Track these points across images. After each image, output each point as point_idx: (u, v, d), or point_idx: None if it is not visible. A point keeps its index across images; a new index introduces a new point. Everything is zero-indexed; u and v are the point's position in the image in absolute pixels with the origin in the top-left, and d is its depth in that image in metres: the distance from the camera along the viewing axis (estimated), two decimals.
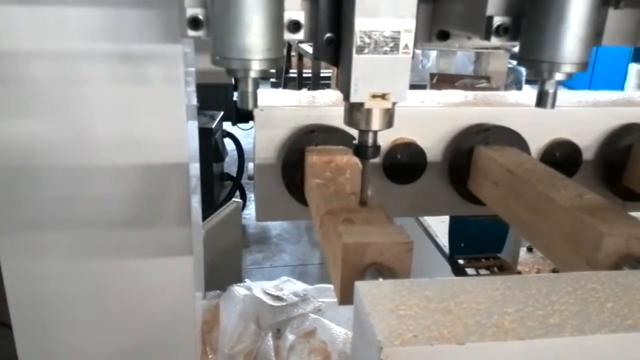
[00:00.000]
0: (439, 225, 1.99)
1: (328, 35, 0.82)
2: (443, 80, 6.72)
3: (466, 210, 1.38)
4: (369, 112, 0.85)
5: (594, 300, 0.61)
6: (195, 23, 0.76)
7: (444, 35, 0.90)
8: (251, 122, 1.22)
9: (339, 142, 1.23)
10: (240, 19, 0.72)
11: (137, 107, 1.07)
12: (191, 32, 0.76)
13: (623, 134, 1.37)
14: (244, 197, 5.27)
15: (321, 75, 4.70)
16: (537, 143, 1.36)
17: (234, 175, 5.14)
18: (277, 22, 0.75)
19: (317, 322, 1.47)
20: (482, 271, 1.56)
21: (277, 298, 1.57)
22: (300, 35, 0.79)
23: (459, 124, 1.33)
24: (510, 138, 1.32)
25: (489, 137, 1.30)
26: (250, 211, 5.31)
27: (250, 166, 1.36)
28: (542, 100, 0.86)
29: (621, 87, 9.46)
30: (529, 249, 1.73)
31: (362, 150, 0.90)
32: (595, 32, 0.80)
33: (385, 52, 0.78)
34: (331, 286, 0.95)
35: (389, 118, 0.87)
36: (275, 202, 1.30)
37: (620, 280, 0.66)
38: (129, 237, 1.16)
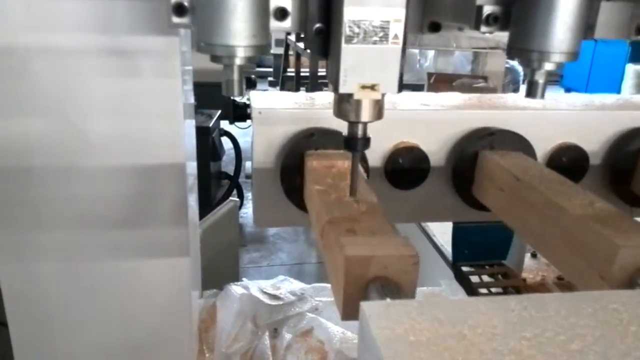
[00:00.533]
0: (442, 232, 1.96)
1: (317, 25, 0.80)
2: (441, 80, 6.70)
3: (470, 217, 1.34)
4: (358, 103, 0.84)
5: (616, 323, 0.57)
6: (180, 10, 0.75)
7: (435, 27, 0.89)
8: (249, 121, 1.19)
9: (339, 145, 1.18)
10: (224, 4, 0.72)
11: (133, 105, 1.06)
12: (176, 19, 0.76)
13: (631, 138, 1.34)
14: (241, 196, 5.26)
15: (319, 74, 4.66)
16: (543, 147, 1.33)
17: (232, 174, 5.12)
18: (262, 9, 0.75)
19: (314, 321, 1.46)
20: (486, 278, 1.53)
21: (274, 297, 1.57)
22: (287, 23, 0.79)
23: (463, 127, 1.29)
24: (516, 142, 1.28)
25: (494, 141, 1.27)
26: (247, 210, 5.29)
27: (247, 165, 1.34)
28: (531, 90, 0.85)
29: (618, 88, 9.44)
30: (533, 255, 1.69)
31: (352, 142, 0.89)
32: (586, 21, 0.79)
33: (375, 42, 0.77)
34: (328, 285, 0.92)
35: (378, 109, 0.86)
36: (274, 208, 1.26)
37: None
38: (125, 236, 1.15)
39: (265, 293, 1.58)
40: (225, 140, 5.05)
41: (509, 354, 0.52)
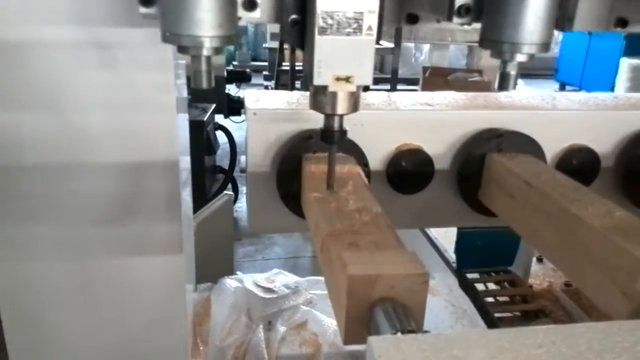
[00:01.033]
0: (447, 237, 1.89)
1: (293, 16, 0.79)
2: (436, 74, 6.66)
3: (476, 222, 1.28)
4: (334, 95, 0.83)
5: None
6: (146, 0, 0.74)
7: (412, 19, 0.88)
8: (244, 115, 1.15)
9: (338, 148, 1.12)
10: None
11: (126, 99, 1.05)
12: (142, 10, 0.74)
13: None
14: (236, 190, 5.22)
15: None
16: (552, 149, 1.26)
17: (226, 168, 5.07)
18: None
19: (308, 314, 1.46)
20: (492, 286, 1.47)
21: (268, 290, 1.57)
22: (257, 14, 0.77)
23: (469, 128, 1.23)
24: (525, 144, 1.21)
25: (502, 143, 1.20)
26: (242, 204, 5.24)
27: (242, 159, 1.31)
28: (503, 82, 0.86)
29: (613, 82, 9.40)
30: (539, 259, 1.64)
31: (328, 135, 0.89)
32: (556, 12, 0.79)
33: (348, 34, 0.76)
34: (322, 278, 0.87)
35: (354, 102, 0.85)
36: (270, 213, 1.20)
37: None
38: (118, 231, 1.15)
39: (260, 286, 1.58)
40: (219, 135, 4.99)
41: None
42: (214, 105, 4.74)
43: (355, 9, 0.75)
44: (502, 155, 1.18)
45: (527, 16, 0.76)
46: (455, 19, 0.78)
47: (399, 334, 0.61)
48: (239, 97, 4.50)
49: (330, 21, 0.75)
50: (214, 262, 2.46)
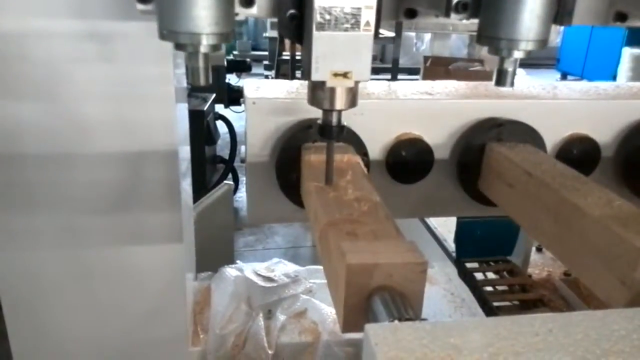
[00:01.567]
0: (446, 227, 1.89)
1: (291, 11, 0.79)
2: (437, 63, 6.62)
3: (475, 212, 1.28)
4: (332, 91, 0.83)
5: None
6: None
7: (411, 13, 0.87)
8: (244, 105, 1.14)
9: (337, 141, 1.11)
10: None
11: (125, 90, 1.04)
12: (140, 6, 0.74)
13: None
14: (236, 180, 5.22)
15: None
16: (553, 139, 1.26)
17: (227, 158, 5.07)
18: None
19: (307, 303, 1.46)
20: (491, 275, 1.47)
21: (268, 279, 1.56)
22: (254, 10, 0.77)
23: (469, 118, 1.22)
24: (525, 134, 1.21)
25: (502, 132, 1.20)
26: (242, 194, 5.24)
27: (242, 149, 1.31)
28: (501, 79, 0.86)
29: (615, 71, 9.35)
30: (539, 249, 1.63)
31: (327, 130, 0.89)
32: (553, 9, 0.79)
33: (346, 29, 0.76)
34: (322, 267, 0.88)
35: (352, 97, 0.85)
36: (269, 203, 1.20)
37: None
38: (119, 220, 1.15)
39: (260, 275, 1.57)
40: (220, 124, 4.97)
41: None
42: (214, 95, 4.72)
43: (352, 4, 0.75)
44: (502, 144, 1.18)
45: (524, 13, 0.76)
46: (453, 15, 0.78)
47: (396, 321, 0.61)
48: (239, 86, 4.48)
49: (327, 17, 0.75)
50: (214, 251, 2.46)
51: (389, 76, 5.83)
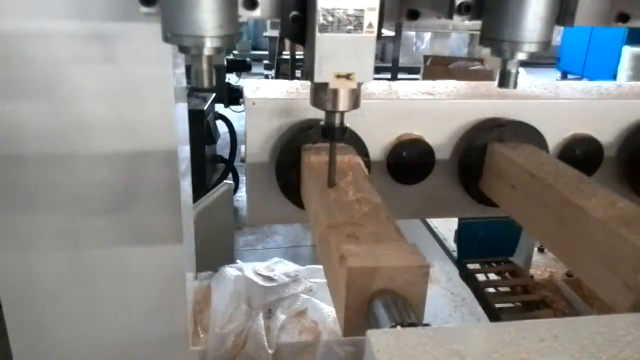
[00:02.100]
0: (446, 227, 1.88)
1: (294, 13, 0.79)
2: (437, 63, 6.62)
3: (477, 212, 1.27)
4: (335, 92, 0.83)
5: None
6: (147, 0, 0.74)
7: (413, 14, 0.87)
8: (243, 105, 1.14)
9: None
10: None
11: (124, 90, 1.04)
12: (144, 9, 0.74)
13: None
14: (236, 179, 5.21)
15: None
16: (555, 139, 1.25)
17: (227, 157, 5.06)
18: None
19: (308, 302, 1.46)
20: (493, 276, 1.46)
21: (268, 279, 1.56)
22: (257, 12, 0.78)
23: (470, 118, 1.21)
24: (527, 134, 1.20)
25: (504, 133, 1.19)
26: (242, 193, 5.23)
27: (242, 149, 1.32)
28: (504, 80, 0.86)
29: (615, 70, 9.34)
30: (540, 249, 1.62)
31: (329, 132, 0.89)
32: (557, 10, 0.79)
33: (349, 31, 0.76)
34: (322, 267, 0.87)
35: (355, 99, 0.85)
36: (269, 204, 1.19)
37: None
38: (119, 220, 1.15)
39: (260, 275, 1.57)
40: (220, 124, 4.96)
41: None
42: (214, 95, 4.71)
43: (355, 6, 0.75)
44: (504, 145, 1.17)
45: (527, 15, 0.76)
46: (456, 17, 0.78)
47: (398, 327, 0.60)
48: (239, 86, 4.47)
49: (330, 18, 0.75)
50: (214, 251, 2.46)
51: (389, 75, 5.83)
